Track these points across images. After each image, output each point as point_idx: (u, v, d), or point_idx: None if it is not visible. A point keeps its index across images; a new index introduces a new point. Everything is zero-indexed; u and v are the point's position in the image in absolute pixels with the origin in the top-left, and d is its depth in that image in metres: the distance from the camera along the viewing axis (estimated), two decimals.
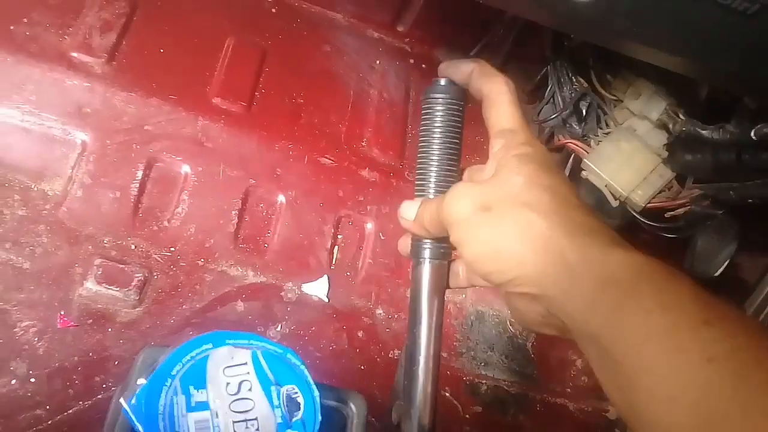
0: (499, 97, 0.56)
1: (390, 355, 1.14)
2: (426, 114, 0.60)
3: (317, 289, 1.13)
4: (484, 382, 1.19)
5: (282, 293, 1.11)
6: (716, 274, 1.18)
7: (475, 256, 0.49)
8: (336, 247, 1.18)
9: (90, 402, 0.92)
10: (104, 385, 0.94)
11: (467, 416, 1.15)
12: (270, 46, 1.28)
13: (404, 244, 0.64)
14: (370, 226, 1.21)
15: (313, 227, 1.17)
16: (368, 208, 1.22)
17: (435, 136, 0.59)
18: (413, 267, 0.60)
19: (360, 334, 1.14)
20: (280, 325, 1.08)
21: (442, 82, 0.60)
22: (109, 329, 0.98)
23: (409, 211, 0.59)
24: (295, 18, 1.35)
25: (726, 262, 1.16)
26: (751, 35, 0.60)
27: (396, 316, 1.17)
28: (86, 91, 1.10)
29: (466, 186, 0.53)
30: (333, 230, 1.18)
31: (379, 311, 1.17)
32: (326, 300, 1.13)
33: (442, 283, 0.59)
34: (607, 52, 0.84)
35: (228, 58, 1.23)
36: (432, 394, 0.56)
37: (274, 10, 1.34)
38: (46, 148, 1.05)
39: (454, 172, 0.59)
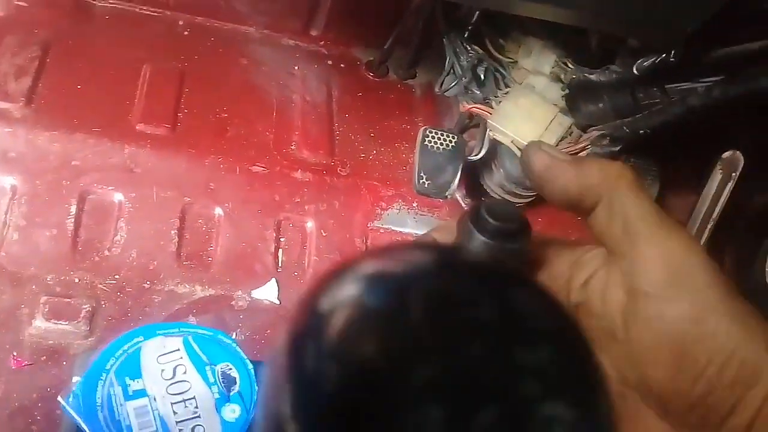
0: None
1: None
2: None
3: (267, 293, 1.15)
4: None
5: (233, 302, 1.13)
6: None
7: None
8: (280, 250, 1.20)
9: None
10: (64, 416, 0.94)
11: None
12: (187, 67, 1.31)
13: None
14: (310, 224, 1.24)
15: (255, 234, 1.19)
16: (306, 207, 1.24)
17: None
18: None
19: None
20: (234, 333, 1.10)
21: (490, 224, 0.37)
22: (64, 362, 0.98)
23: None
24: (209, 37, 1.38)
25: None
26: None
27: None
28: (8, 136, 1.11)
29: None
30: (275, 234, 1.20)
31: None
32: (278, 302, 1.15)
33: None
34: (496, 16, 0.89)
35: (146, 85, 1.25)
36: None
37: (186, 33, 1.37)
38: None
39: None
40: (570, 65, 0.98)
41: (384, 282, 0.24)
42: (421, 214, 1.30)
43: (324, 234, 1.24)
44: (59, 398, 0.50)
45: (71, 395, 0.49)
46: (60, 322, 1.00)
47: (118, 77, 1.24)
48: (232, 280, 1.14)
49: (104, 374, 0.51)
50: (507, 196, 1.25)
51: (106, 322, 1.04)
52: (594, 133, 0.96)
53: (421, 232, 1.28)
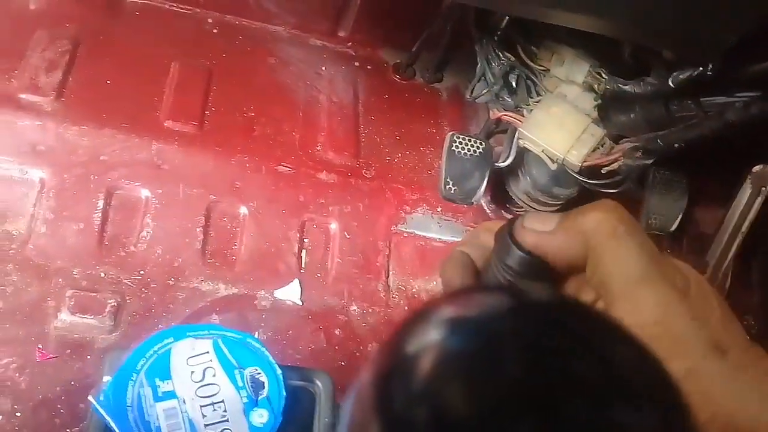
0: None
1: (369, 348, 1.16)
2: None
3: (290, 293, 1.15)
4: None
5: (255, 302, 1.13)
6: (672, 229, 1.22)
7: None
8: (303, 250, 1.21)
9: (77, 429, 0.93)
10: (89, 411, 0.95)
11: None
12: (215, 66, 1.31)
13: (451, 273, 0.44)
14: (334, 226, 1.24)
15: (279, 234, 1.19)
16: (330, 209, 1.24)
17: None
18: None
19: (337, 332, 1.16)
20: (257, 333, 1.10)
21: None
22: (89, 357, 0.99)
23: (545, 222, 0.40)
24: (237, 36, 1.39)
25: (680, 217, 1.21)
26: None
27: (370, 310, 1.20)
28: (38, 129, 1.12)
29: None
30: (298, 235, 1.21)
31: (354, 307, 1.19)
32: (300, 303, 1.15)
33: None
34: (530, 24, 0.88)
35: (175, 82, 1.25)
36: None
37: (215, 31, 1.37)
38: (5, 189, 1.07)
39: None
40: (604, 75, 0.97)
41: (474, 327, 0.24)
42: (445, 219, 1.30)
43: (347, 236, 1.24)
44: (90, 397, 0.50)
45: (102, 394, 0.49)
46: (85, 316, 1.01)
47: (147, 74, 1.25)
48: (256, 280, 1.15)
49: (135, 374, 0.51)
50: (533, 204, 1.24)
51: (131, 318, 1.04)
52: (626, 145, 0.95)
53: (444, 237, 1.28)
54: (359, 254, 1.23)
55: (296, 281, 1.17)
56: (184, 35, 1.33)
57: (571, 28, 0.83)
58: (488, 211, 1.32)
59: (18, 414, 0.92)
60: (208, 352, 0.53)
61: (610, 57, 0.97)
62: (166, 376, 0.52)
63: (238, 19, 1.40)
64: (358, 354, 1.16)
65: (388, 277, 1.24)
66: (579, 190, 1.18)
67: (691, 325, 0.35)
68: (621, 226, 0.36)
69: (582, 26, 0.77)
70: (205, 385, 0.52)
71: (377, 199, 1.28)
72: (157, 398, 0.50)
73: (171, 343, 0.53)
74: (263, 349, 0.56)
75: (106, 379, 0.52)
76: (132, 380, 0.51)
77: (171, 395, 0.51)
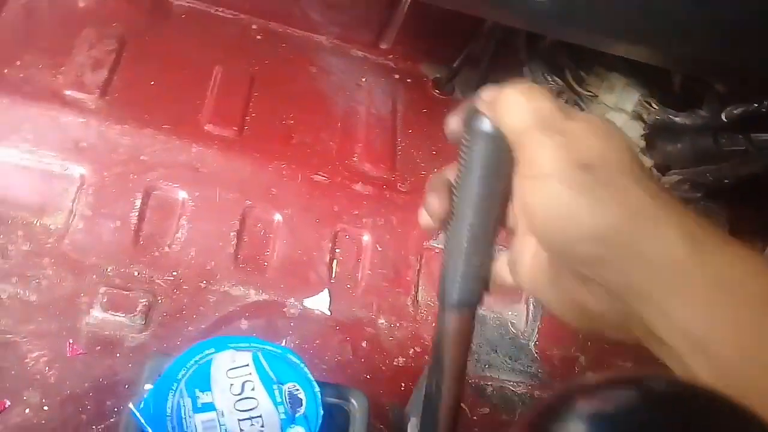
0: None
1: (395, 363, 1.16)
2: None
3: (319, 303, 1.15)
4: (489, 383, 1.21)
5: (284, 309, 1.13)
6: None
7: (551, 210, 0.40)
8: (334, 260, 1.20)
9: (103, 426, 0.94)
10: (116, 409, 0.95)
11: (475, 418, 1.16)
12: (257, 72, 1.32)
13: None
14: (366, 238, 1.23)
15: (311, 243, 1.19)
16: (364, 220, 1.24)
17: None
18: (439, 312, 0.53)
19: (364, 344, 1.16)
20: (284, 341, 1.10)
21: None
22: (118, 354, 1.00)
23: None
24: (280, 43, 1.39)
25: None
26: (712, 20, 0.63)
27: (398, 324, 1.19)
28: (81, 126, 1.13)
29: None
30: (330, 245, 1.20)
31: (382, 321, 1.18)
32: (328, 313, 1.15)
33: (469, 335, 0.54)
34: (580, 49, 0.87)
35: (217, 86, 1.26)
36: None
37: (259, 37, 1.38)
38: (46, 184, 1.08)
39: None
40: (654, 105, 0.95)
41: (613, 424, 0.24)
42: None
43: (379, 248, 1.23)
44: (130, 405, 0.50)
45: (142, 402, 0.49)
46: (117, 313, 1.02)
47: (190, 76, 1.26)
48: (286, 287, 1.15)
49: (175, 384, 0.51)
50: None
51: (161, 318, 1.05)
52: (674, 177, 0.94)
53: None
54: (390, 267, 1.23)
55: (326, 291, 1.17)
56: (229, 40, 1.35)
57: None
58: None
59: (45, 408, 0.93)
60: (248, 365, 0.53)
61: (661, 87, 0.96)
62: (206, 387, 0.51)
63: (282, 27, 1.41)
64: (383, 368, 1.15)
65: (417, 292, 1.23)
66: None
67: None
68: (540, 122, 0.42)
69: (635, 56, 0.76)
70: (243, 398, 0.51)
71: (411, 213, 1.28)
72: (196, 409, 0.50)
73: (212, 354, 0.53)
74: (302, 364, 0.56)
75: (147, 387, 0.52)
76: (172, 390, 0.51)
77: (210, 407, 0.51)
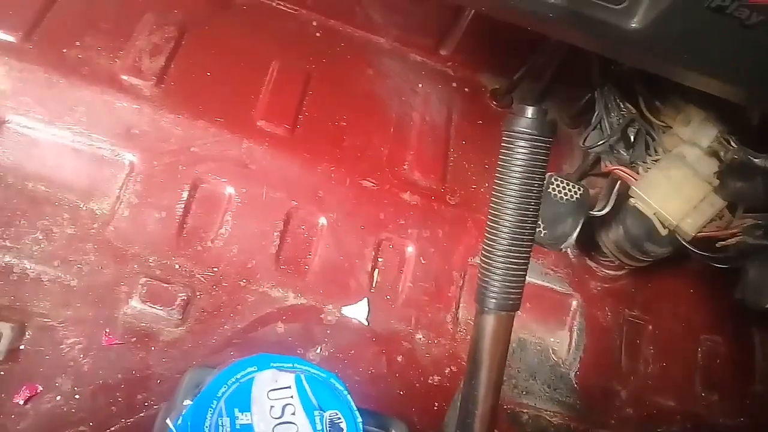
0: None
1: (429, 381, 1.13)
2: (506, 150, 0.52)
3: (357, 312, 1.13)
4: (525, 411, 1.17)
5: (322, 315, 1.11)
6: None
7: None
8: (376, 270, 1.18)
9: (132, 420, 0.93)
10: (146, 404, 0.94)
11: None
12: (314, 70, 1.30)
13: None
14: (410, 249, 1.20)
15: (354, 250, 1.17)
16: (409, 231, 1.21)
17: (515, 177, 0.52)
18: (477, 315, 0.56)
19: (399, 358, 1.13)
20: (319, 348, 1.08)
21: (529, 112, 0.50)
22: (153, 348, 0.99)
23: None
24: (339, 42, 1.37)
25: None
26: None
27: (436, 341, 1.16)
28: (135, 112, 1.12)
29: None
30: (373, 253, 1.18)
31: (419, 336, 1.15)
32: (366, 323, 1.13)
33: (507, 336, 0.55)
34: (656, 77, 0.83)
35: (273, 82, 1.24)
36: None
37: (318, 34, 1.36)
38: (95, 168, 1.08)
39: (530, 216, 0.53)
40: (733, 143, 0.90)
41: None
42: None
43: (423, 261, 1.20)
44: (167, 420, 0.48)
45: (180, 418, 0.47)
46: (155, 306, 1.00)
47: (247, 70, 1.24)
48: (325, 293, 1.12)
49: (215, 401, 0.49)
50: (620, 255, 1.19)
51: (198, 314, 1.04)
52: (748, 221, 0.89)
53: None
54: (432, 282, 1.20)
55: (365, 300, 1.14)
56: (288, 35, 1.32)
57: None
58: (572, 256, 1.27)
59: (77, 396, 0.92)
60: (290, 387, 0.51)
61: (741, 124, 0.91)
62: (246, 407, 0.49)
63: (342, 26, 1.39)
64: (417, 385, 1.12)
65: (458, 309, 1.20)
66: (672, 250, 1.12)
67: None
68: None
69: (714, 91, 0.72)
70: (283, 422, 0.49)
71: (458, 228, 1.25)
72: (235, 430, 0.48)
73: (254, 372, 0.51)
74: (346, 391, 0.53)
75: (186, 402, 0.50)
76: (212, 407, 0.48)
77: (248, 429, 0.49)
